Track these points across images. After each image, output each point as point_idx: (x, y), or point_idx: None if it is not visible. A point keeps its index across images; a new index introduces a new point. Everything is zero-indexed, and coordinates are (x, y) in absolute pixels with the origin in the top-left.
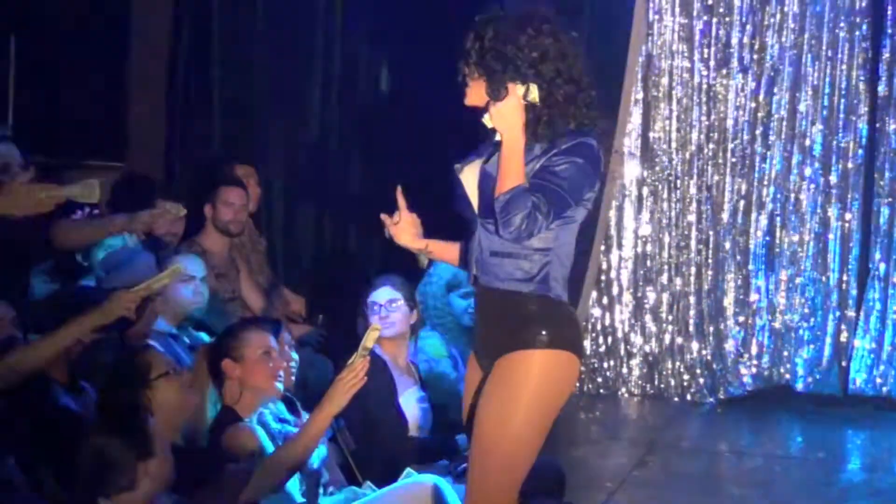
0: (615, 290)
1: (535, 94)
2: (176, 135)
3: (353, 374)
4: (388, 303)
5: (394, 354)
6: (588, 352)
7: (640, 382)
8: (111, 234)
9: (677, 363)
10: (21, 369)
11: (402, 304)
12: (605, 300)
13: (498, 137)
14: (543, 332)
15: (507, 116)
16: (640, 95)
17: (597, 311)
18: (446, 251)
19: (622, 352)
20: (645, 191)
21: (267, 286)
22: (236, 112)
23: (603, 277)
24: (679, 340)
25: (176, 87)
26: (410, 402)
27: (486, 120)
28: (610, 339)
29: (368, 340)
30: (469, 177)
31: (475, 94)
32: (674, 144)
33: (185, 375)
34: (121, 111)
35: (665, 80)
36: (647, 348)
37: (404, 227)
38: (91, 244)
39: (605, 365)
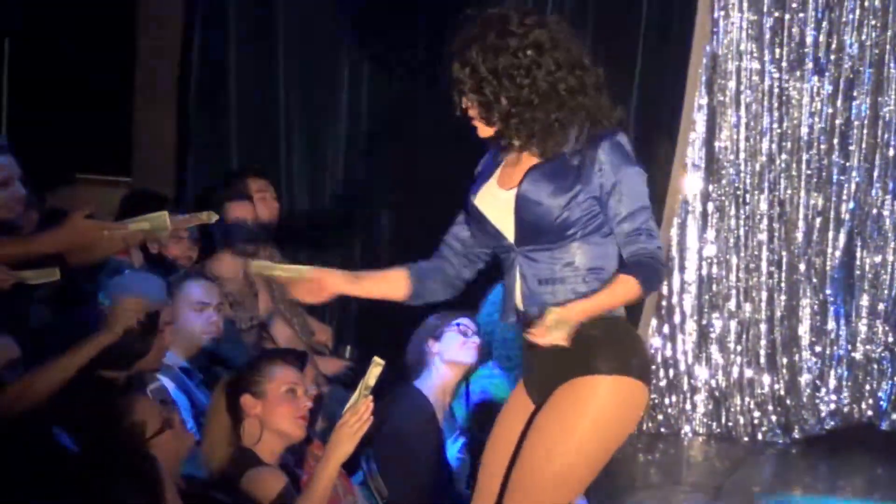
0: (677, 318)
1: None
2: (187, 147)
3: (356, 417)
4: (472, 330)
5: (444, 395)
6: None
7: (705, 420)
8: (131, 245)
9: (747, 399)
10: (29, 398)
11: (476, 337)
12: (665, 329)
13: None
14: (609, 358)
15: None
16: (705, 101)
17: (657, 341)
18: (379, 285)
19: (685, 386)
20: (710, 207)
21: (290, 314)
22: (253, 122)
23: (664, 303)
24: (749, 373)
25: (187, 94)
26: (451, 452)
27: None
28: (672, 373)
29: (370, 378)
30: (488, 204)
31: (483, 125)
32: (742, 155)
33: (178, 420)
34: (126, 121)
35: (732, 84)
36: (713, 382)
37: (311, 289)
38: (100, 263)
39: (667, 401)
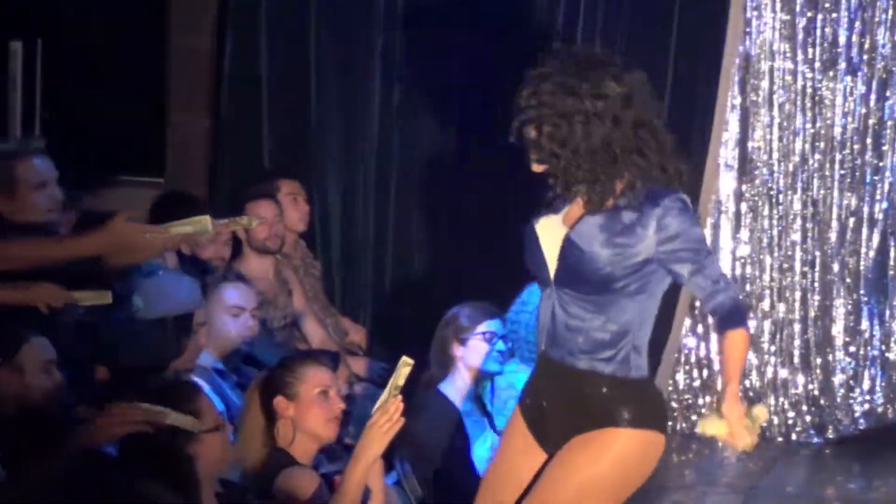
0: (710, 318)
1: None
2: (219, 149)
3: (386, 418)
4: (498, 337)
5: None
6: (682, 386)
7: None
8: (168, 249)
9: (780, 399)
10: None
11: (502, 344)
12: (699, 329)
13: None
14: (627, 411)
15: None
16: (738, 101)
17: (691, 342)
18: None
19: (719, 386)
20: (743, 207)
21: (323, 314)
22: (286, 124)
23: (697, 304)
24: (783, 374)
25: (220, 96)
26: (482, 451)
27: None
28: (705, 373)
29: (399, 377)
30: (546, 234)
31: (534, 157)
32: (775, 155)
33: (228, 430)
34: (159, 123)
35: (765, 84)
36: (746, 382)
37: None
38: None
39: (701, 401)
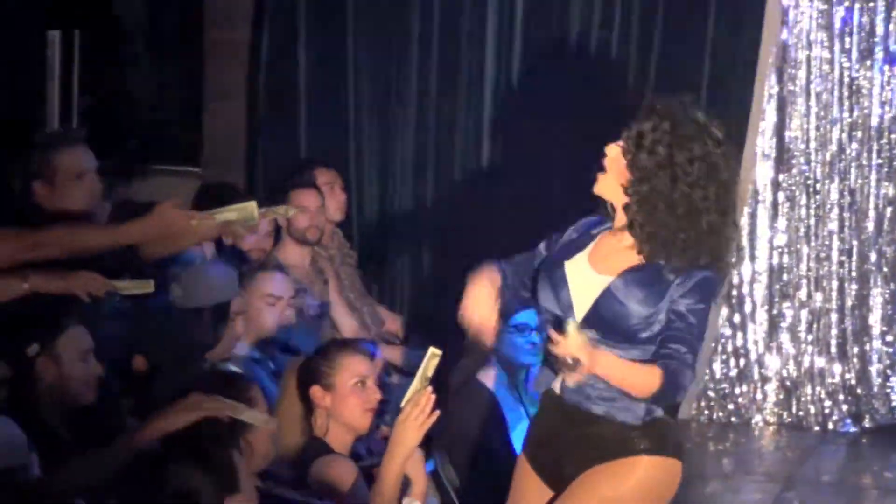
0: (748, 307)
1: None
2: (256, 138)
3: (419, 410)
4: (530, 329)
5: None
6: (718, 375)
7: (775, 410)
8: (206, 239)
9: (817, 388)
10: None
11: (535, 336)
12: (736, 318)
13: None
14: (646, 441)
15: (592, 366)
16: (775, 90)
17: (727, 331)
18: None
19: (756, 376)
20: (780, 196)
21: (359, 303)
22: (323, 113)
23: (734, 293)
24: (819, 363)
25: (257, 85)
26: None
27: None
28: (742, 362)
29: (428, 369)
30: (576, 277)
31: (611, 183)
32: (812, 144)
33: (275, 423)
34: (196, 110)
35: (802, 73)
36: (783, 372)
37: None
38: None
39: (738, 390)
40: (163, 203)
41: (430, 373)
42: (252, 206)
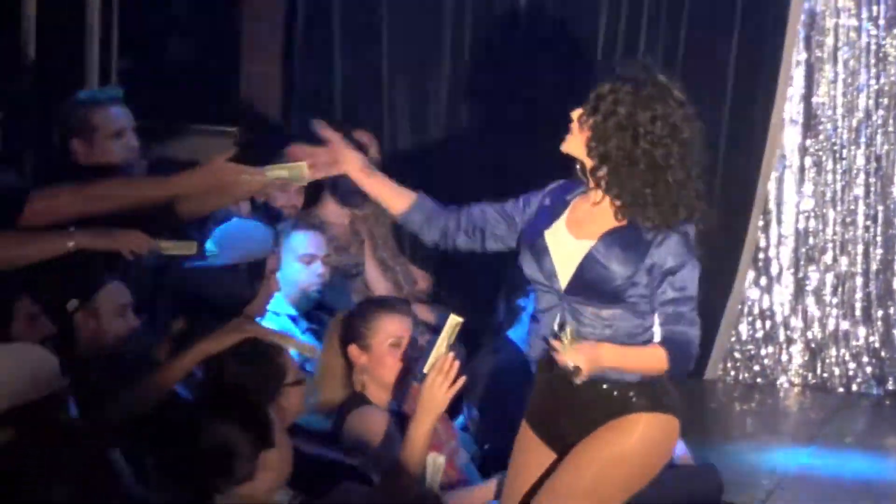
0: (774, 270)
1: None
2: (291, 97)
3: (443, 377)
4: None
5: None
6: (745, 337)
7: (800, 371)
8: (243, 199)
9: (842, 350)
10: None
11: None
12: (762, 281)
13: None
14: (643, 399)
15: (595, 365)
16: (803, 57)
17: (754, 293)
18: (386, 190)
19: (781, 338)
20: (807, 161)
21: (392, 262)
22: (358, 73)
23: (761, 256)
24: (844, 325)
25: (292, 45)
26: None
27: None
28: (768, 324)
29: (452, 336)
30: (556, 245)
31: (577, 143)
32: (839, 111)
33: (307, 384)
34: (232, 70)
35: (830, 41)
36: (808, 334)
37: (326, 162)
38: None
39: (763, 352)
40: (215, 156)
41: (452, 339)
42: (302, 166)
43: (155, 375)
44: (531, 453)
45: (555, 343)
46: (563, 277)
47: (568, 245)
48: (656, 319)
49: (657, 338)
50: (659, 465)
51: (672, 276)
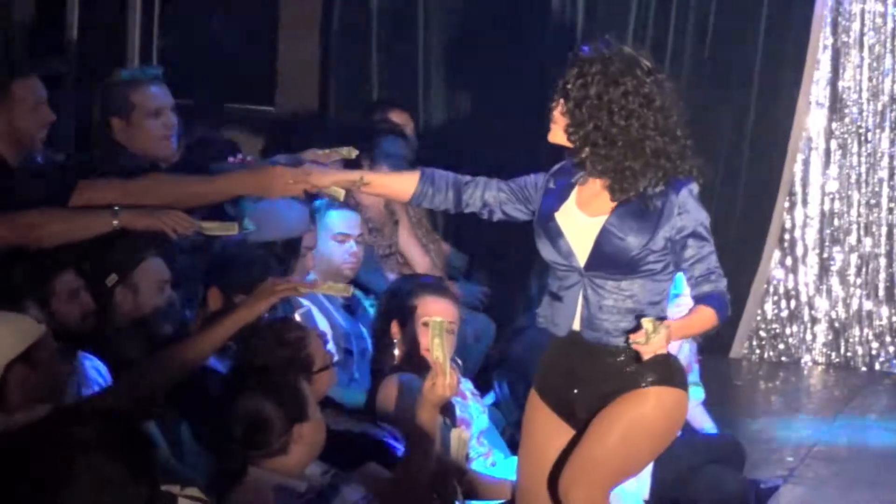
0: (799, 251)
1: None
2: (328, 78)
3: (441, 378)
4: None
5: None
6: (770, 316)
7: (824, 350)
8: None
9: (865, 330)
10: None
11: None
12: (788, 261)
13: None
14: (653, 374)
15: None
16: (829, 41)
17: (779, 273)
18: (389, 183)
19: (806, 317)
20: (833, 144)
21: (426, 240)
22: (394, 53)
23: (786, 237)
24: (868, 305)
25: (329, 26)
26: None
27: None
28: (793, 303)
29: (441, 337)
30: (569, 224)
31: (559, 132)
32: (864, 94)
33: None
34: (270, 50)
35: (856, 26)
36: (832, 314)
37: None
38: None
39: (788, 331)
40: (277, 167)
41: (443, 340)
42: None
43: (187, 346)
44: (542, 424)
45: (635, 337)
46: (582, 255)
47: (581, 223)
48: (684, 280)
49: (692, 294)
50: (672, 436)
51: (692, 237)
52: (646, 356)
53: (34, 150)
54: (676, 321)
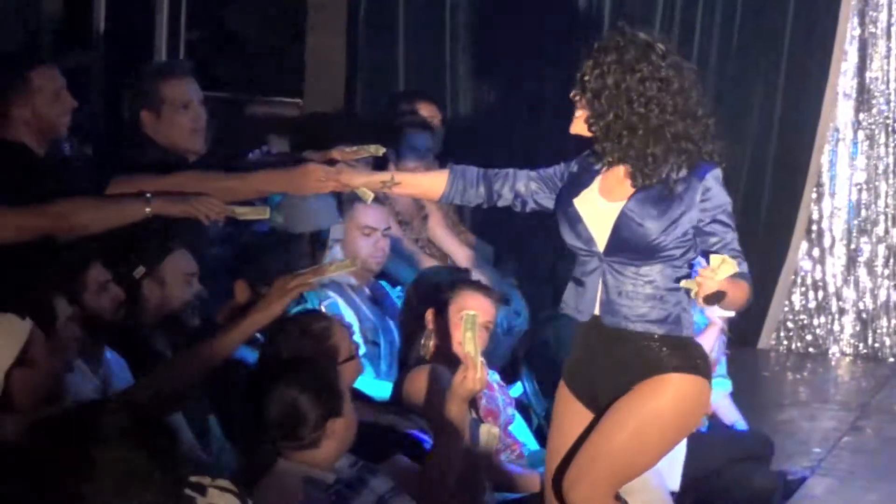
0: (827, 242)
1: None
2: (356, 70)
3: (473, 371)
4: None
5: None
6: (797, 307)
7: (852, 341)
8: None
9: (893, 320)
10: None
11: None
12: (815, 252)
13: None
14: (675, 360)
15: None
16: (857, 32)
17: (807, 264)
18: (419, 182)
19: (834, 308)
20: (860, 135)
21: (454, 232)
22: (421, 45)
23: (814, 227)
24: (895, 296)
25: (357, 18)
26: None
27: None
28: (820, 294)
29: (473, 331)
30: (588, 210)
31: (580, 123)
32: (892, 85)
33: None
34: (297, 43)
35: (883, 16)
36: (860, 304)
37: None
38: None
39: (815, 322)
40: (309, 165)
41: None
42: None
43: (207, 345)
44: (569, 413)
45: (703, 271)
46: (601, 240)
47: (601, 209)
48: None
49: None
50: (692, 425)
51: (716, 223)
52: (701, 294)
53: (59, 138)
54: (726, 282)
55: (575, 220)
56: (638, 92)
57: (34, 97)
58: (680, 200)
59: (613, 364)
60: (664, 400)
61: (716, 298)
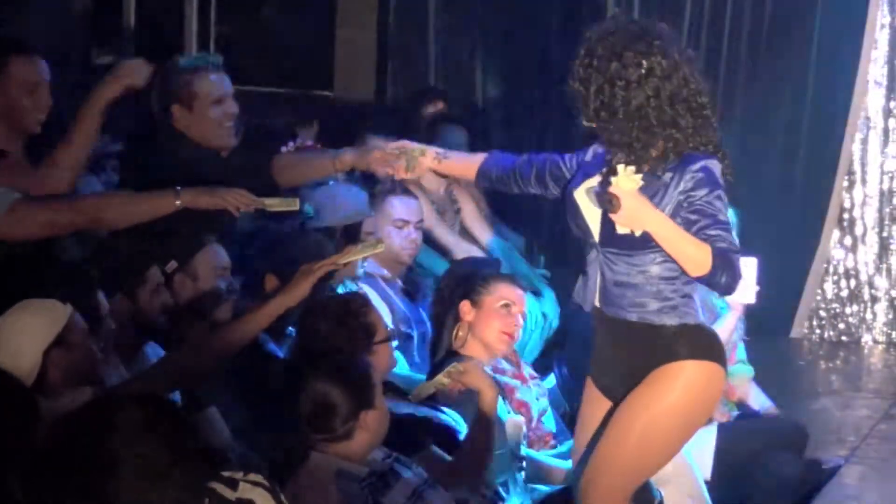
0: (859, 230)
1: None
2: (386, 63)
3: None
4: None
5: None
6: (829, 295)
7: (885, 329)
8: (339, 171)
9: None
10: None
11: None
12: (847, 240)
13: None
14: (685, 346)
15: (635, 216)
16: (887, 20)
17: (839, 253)
18: (456, 163)
19: (866, 296)
20: (892, 123)
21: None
22: (451, 38)
23: (845, 216)
24: None
25: (387, 12)
26: None
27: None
28: (853, 283)
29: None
30: (585, 201)
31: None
32: None
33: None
34: (328, 36)
35: None
36: (893, 292)
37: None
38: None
39: (848, 310)
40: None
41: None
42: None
43: (232, 327)
44: (593, 407)
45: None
46: (596, 230)
47: (591, 195)
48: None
49: None
50: (706, 413)
51: (697, 213)
52: (616, 198)
53: (31, 134)
54: (660, 212)
55: (575, 211)
56: (620, 76)
57: (8, 84)
58: (666, 189)
59: (619, 355)
60: (675, 394)
61: (609, 203)
